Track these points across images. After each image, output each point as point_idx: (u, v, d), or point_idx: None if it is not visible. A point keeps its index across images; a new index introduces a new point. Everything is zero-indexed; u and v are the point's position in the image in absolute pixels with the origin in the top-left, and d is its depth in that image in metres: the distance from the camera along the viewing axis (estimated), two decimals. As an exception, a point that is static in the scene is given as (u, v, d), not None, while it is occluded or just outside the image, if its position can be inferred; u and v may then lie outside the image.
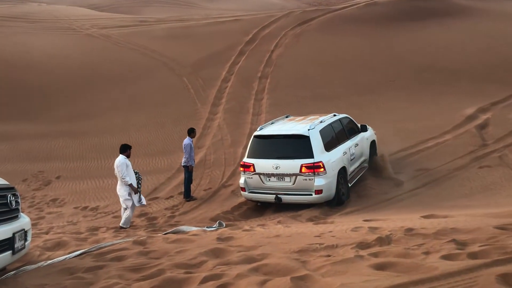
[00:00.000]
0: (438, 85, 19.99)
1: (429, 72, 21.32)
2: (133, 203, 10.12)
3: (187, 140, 12.40)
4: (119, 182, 10.22)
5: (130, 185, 10.00)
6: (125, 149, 10.31)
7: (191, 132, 12.64)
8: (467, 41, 24.47)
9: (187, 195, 12.37)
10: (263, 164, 10.44)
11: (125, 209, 10.26)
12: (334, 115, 11.89)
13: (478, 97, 17.81)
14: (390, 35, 25.88)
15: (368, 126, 12.69)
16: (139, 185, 10.33)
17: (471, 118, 15.70)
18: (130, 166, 10.20)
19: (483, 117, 15.68)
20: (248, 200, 11.17)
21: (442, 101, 18.15)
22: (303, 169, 10.01)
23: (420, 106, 17.86)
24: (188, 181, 12.42)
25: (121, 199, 10.24)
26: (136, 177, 10.25)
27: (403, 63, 22.52)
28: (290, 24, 28.60)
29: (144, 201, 10.36)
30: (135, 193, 10.06)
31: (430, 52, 23.32)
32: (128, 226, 10.20)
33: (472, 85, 19.65)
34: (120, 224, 10.19)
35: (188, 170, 12.36)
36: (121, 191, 10.15)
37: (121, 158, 10.14)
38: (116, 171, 10.14)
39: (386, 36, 25.81)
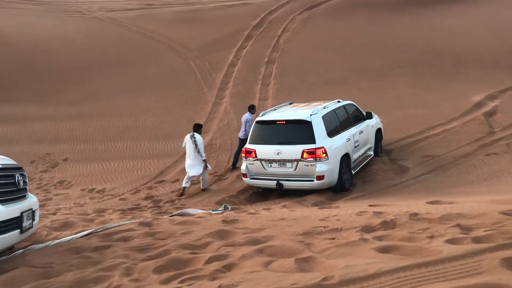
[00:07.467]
0: (446, 72, 19.83)
1: (438, 58, 21.13)
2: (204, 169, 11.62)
3: (248, 116, 12.85)
4: (192, 157, 11.36)
5: (205, 160, 11.51)
6: (197, 128, 11.70)
7: (251, 108, 13.16)
8: (476, 28, 24.17)
9: (234, 165, 12.98)
10: (265, 150, 10.36)
11: (191, 178, 11.53)
12: (338, 101, 11.78)
13: (486, 84, 17.65)
14: (399, 20, 25.61)
15: (373, 114, 12.57)
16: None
17: (479, 105, 15.58)
18: None
19: (491, 105, 15.55)
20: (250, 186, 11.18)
21: (450, 87, 18.01)
22: (305, 155, 9.90)
23: (428, 93, 17.75)
24: (238, 152, 12.84)
25: (193, 170, 11.39)
26: None
27: (412, 48, 22.30)
28: (298, 8, 28.36)
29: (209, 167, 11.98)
30: (205, 167, 11.63)
31: (439, 38, 23.06)
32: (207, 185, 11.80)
33: (480, 72, 19.48)
34: (202, 187, 11.69)
35: (244, 143, 12.30)
36: (196, 163, 11.40)
37: (200, 136, 11.51)
38: (192, 146, 11.33)
39: (395, 21, 25.54)
